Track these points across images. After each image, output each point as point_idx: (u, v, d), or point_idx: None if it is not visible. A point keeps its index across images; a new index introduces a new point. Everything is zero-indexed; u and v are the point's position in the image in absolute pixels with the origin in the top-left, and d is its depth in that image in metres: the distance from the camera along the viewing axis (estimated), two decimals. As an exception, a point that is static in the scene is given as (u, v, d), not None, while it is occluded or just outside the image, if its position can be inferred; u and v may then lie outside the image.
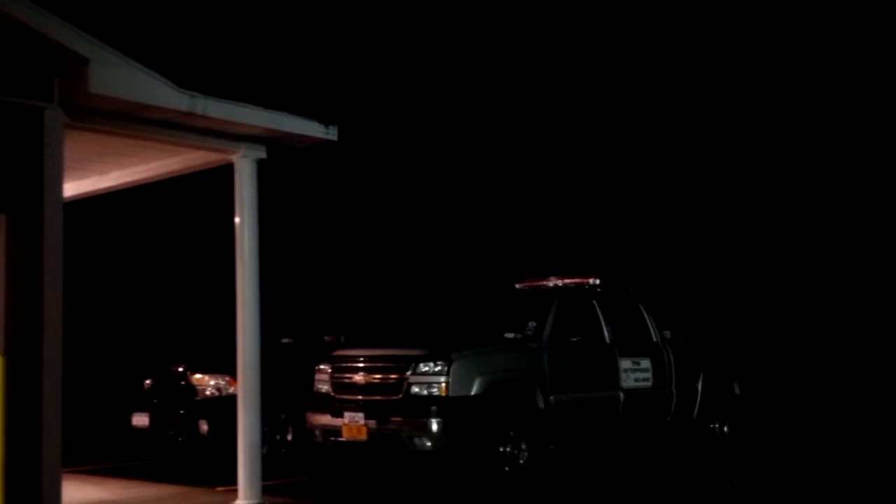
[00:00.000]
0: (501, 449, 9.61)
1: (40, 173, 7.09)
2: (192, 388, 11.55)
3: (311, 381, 10.48)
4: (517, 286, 12.26)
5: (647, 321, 11.90)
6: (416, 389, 9.49)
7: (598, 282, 11.75)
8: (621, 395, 10.99)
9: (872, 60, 24.53)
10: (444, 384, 9.36)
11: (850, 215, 22.93)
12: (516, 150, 33.81)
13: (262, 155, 8.68)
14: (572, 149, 32.12)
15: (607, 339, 11.15)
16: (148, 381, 12.05)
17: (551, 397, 10.12)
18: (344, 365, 10.24)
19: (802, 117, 24.64)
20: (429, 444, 9.33)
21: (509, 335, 10.56)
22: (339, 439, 9.93)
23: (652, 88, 31.62)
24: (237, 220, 8.65)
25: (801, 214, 23.59)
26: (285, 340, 12.57)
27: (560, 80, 29.36)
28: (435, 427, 9.26)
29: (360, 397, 9.90)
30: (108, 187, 9.75)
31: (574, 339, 10.65)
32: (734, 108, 26.53)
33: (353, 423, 9.73)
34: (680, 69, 30.88)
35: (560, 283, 11.87)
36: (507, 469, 9.63)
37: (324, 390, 10.32)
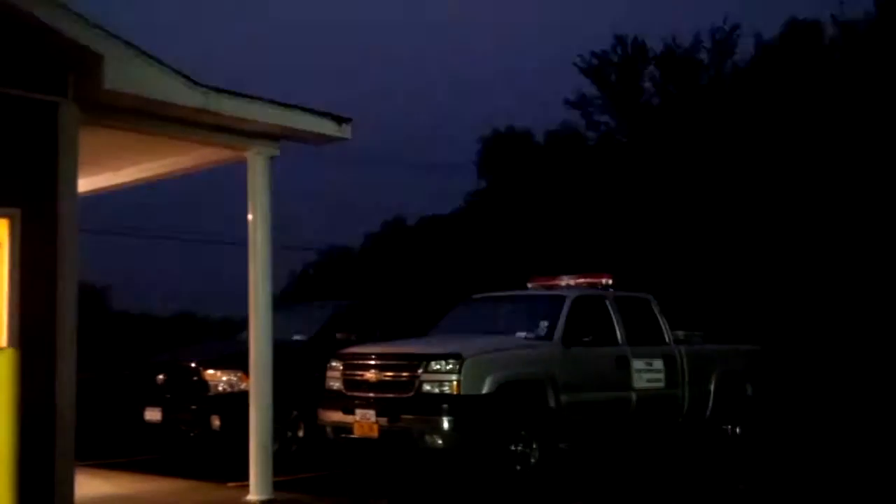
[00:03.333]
0: (513, 448, 9.60)
1: (55, 168, 7.13)
2: (204, 384, 11.56)
3: (323, 378, 10.49)
4: (529, 285, 12.25)
5: (660, 322, 11.87)
6: (427, 387, 9.48)
7: (610, 282, 11.72)
8: (633, 395, 10.96)
9: (872, 60, 24.39)
10: (455, 383, 9.35)
11: (861, 215, 22.79)
12: (529, 151, 33.85)
13: (276, 152, 8.70)
14: (585, 150, 32.11)
15: (620, 340, 11.12)
16: (161, 376, 12.08)
17: (563, 397, 10.10)
18: (356, 362, 10.24)
19: (807, 118, 24.52)
20: (440, 442, 9.32)
21: (521, 334, 10.54)
22: (351, 436, 9.93)
23: (660, 91, 31.58)
24: (250, 217, 8.67)
25: (814, 215, 23.47)
26: (297, 337, 12.57)
27: (572, 82, 29.34)
28: (446, 425, 9.25)
29: (371, 395, 9.90)
30: (122, 183, 9.78)
31: (586, 339, 10.62)
32: (742, 111, 26.43)
33: (364, 421, 9.73)
34: (682, 71, 30.82)
35: (573, 282, 11.85)
36: (518, 468, 9.62)
37: (335, 387, 10.33)
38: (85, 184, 9.24)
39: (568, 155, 30.87)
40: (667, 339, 11.80)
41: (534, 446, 9.77)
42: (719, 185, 25.45)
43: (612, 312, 11.20)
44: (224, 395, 11.37)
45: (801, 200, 23.71)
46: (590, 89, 32.27)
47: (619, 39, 31.66)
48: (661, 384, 11.36)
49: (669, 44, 30.76)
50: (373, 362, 10.07)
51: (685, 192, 26.12)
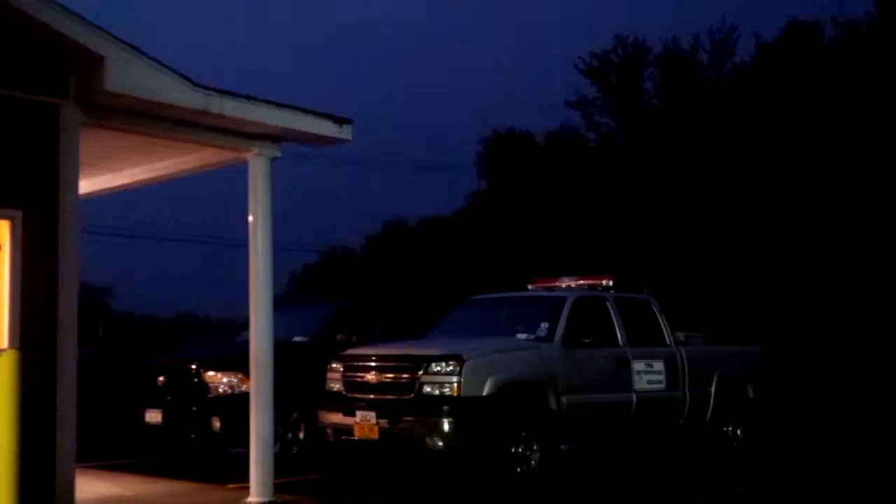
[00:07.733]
0: (513, 450, 9.59)
1: (56, 170, 7.14)
2: (205, 386, 11.56)
3: (324, 379, 10.49)
4: (530, 287, 12.25)
5: (661, 323, 11.86)
6: (428, 389, 9.48)
7: (611, 283, 11.72)
8: (634, 397, 10.95)
9: (873, 61, 24.38)
10: (456, 384, 9.34)
11: (862, 215, 22.79)
12: (529, 152, 33.87)
13: (277, 153, 8.71)
14: (586, 151, 32.12)
15: (620, 341, 11.12)
16: (161, 378, 12.08)
17: (563, 399, 10.10)
18: (356, 364, 10.24)
19: (809, 119, 24.51)
20: (440, 443, 9.32)
21: (522, 336, 10.54)
22: (351, 438, 9.93)
23: (660, 92, 31.58)
24: (251, 218, 8.67)
25: (815, 215, 23.46)
26: (298, 339, 12.57)
27: (572, 83, 29.35)
28: (447, 427, 9.25)
29: (371, 396, 9.90)
30: (123, 185, 9.78)
31: (587, 341, 10.61)
32: (743, 112, 26.43)
33: (364, 422, 9.73)
34: (683, 72, 30.80)
35: (573, 283, 11.84)
36: (518, 470, 9.61)
37: (336, 389, 10.33)
38: (86, 185, 9.25)
39: (568, 156, 30.91)
40: (667, 341, 11.80)
41: (534, 448, 9.76)
42: (720, 185, 25.45)
43: (612, 314, 11.19)
44: (224, 397, 11.37)
45: (801, 201, 23.70)
46: (590, 90, 32.34)
47: (620, 40, 31.72)
48: (662, 386, 11.35)
49: (669, 45, 30.85)
50: (373, 364, 10.07)
51: (686, 192, 26.12)
